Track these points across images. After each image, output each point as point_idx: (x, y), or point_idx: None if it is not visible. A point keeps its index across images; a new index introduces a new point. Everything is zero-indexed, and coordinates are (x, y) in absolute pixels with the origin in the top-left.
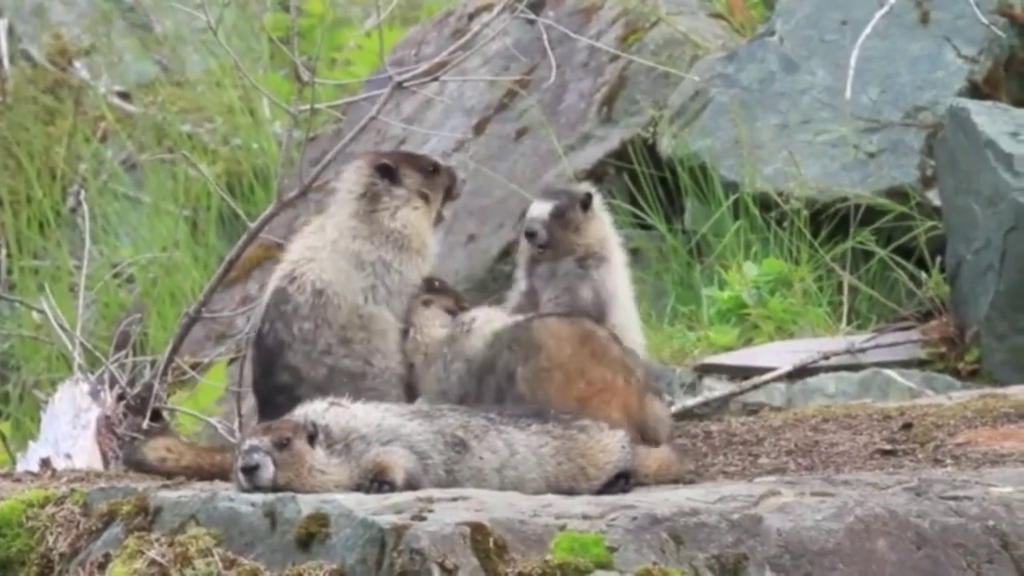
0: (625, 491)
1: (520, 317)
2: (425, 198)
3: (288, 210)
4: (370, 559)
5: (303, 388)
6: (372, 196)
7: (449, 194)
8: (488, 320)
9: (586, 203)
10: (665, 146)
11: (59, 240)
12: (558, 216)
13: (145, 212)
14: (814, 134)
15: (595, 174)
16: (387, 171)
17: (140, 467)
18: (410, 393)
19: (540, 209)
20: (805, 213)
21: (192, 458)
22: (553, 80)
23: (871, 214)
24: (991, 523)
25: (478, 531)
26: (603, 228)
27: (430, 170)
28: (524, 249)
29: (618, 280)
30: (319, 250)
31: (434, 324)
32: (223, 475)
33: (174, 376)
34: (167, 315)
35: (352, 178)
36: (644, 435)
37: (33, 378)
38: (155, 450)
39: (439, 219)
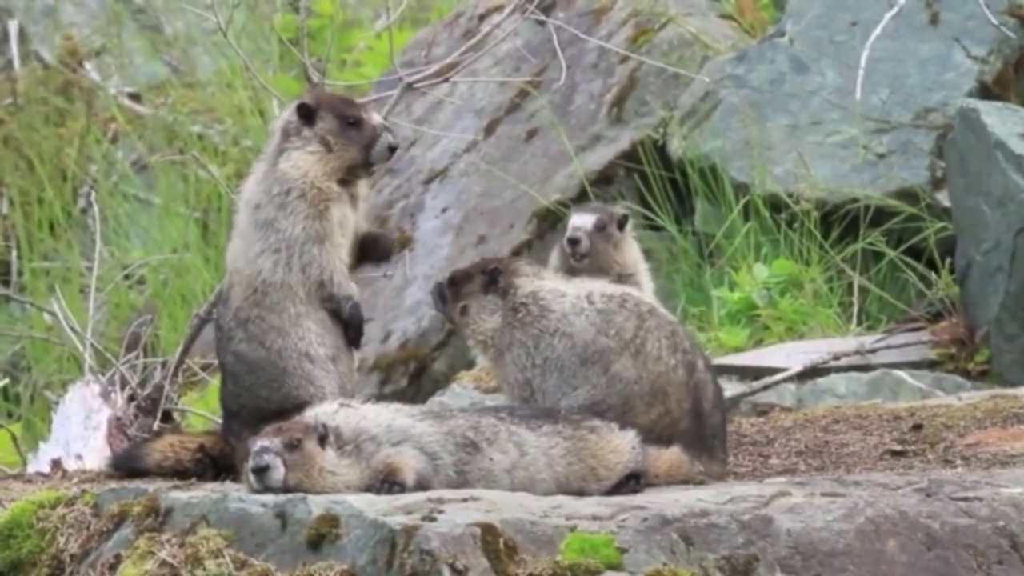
0: (635, 492)
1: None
2: (327, 145)
3: None
4: (380, 560)
5: (226, 381)
6: (284, 136)
7: (367, 153)
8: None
9: (622, 222)
10: (675, 147)
11: (70, 241)
12: (600, 229)
13: (156, 213)
14: (824, 135)
15: (605, 175)
16: (305, 111)
17: (136, 472)
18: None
19: (583, 220)
20: (815, 214)
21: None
22: (563, 81)
23: (881, 215)
24: (1001, 524)
25: (488, 532)
26: (635, 251)
27: (349, 121)
28: (559, 258)
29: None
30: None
31: (484, 312)
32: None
33: (185, 377)
34: (177, 316)
35: (280, 117)
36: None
37: (44, 379)
38: (152, 453)
39: (353, 176)
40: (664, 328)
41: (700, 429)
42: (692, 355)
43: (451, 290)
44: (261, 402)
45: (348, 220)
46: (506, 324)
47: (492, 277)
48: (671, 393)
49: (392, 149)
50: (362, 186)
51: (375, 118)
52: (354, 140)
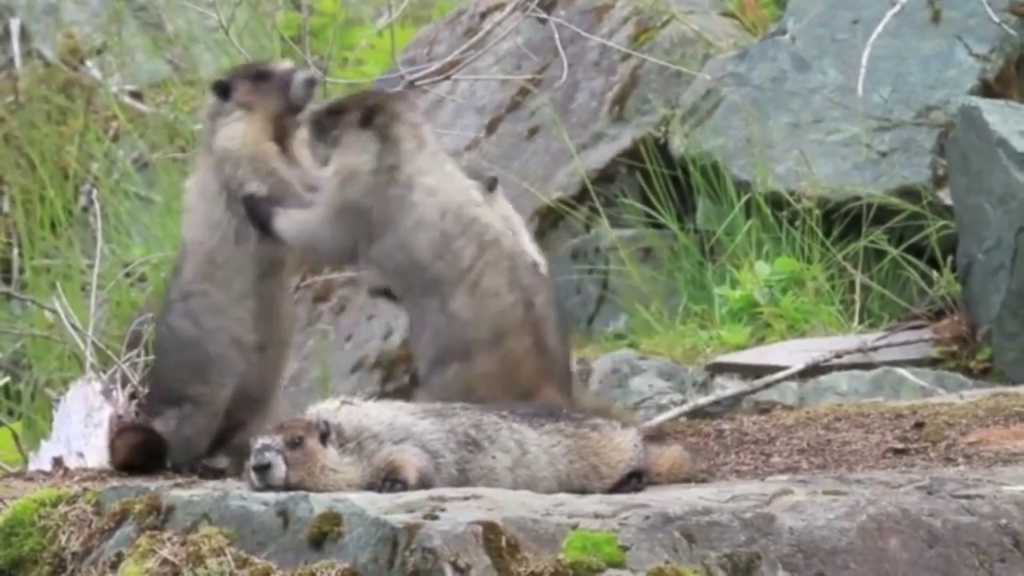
0: (637, 490)
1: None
2: (248, 107)
3: None
4: (382, 558)
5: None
6: (211, 119)
7: (286, 98)
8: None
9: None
10: (677, 145)
11: (71, 239)
12: None
13: (157, 211)
14: (826, 133)
15: (607, 173)
16: (220, 87)
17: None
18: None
19: None
20: (817, 212)
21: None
22: (565, 79)
23: (883, 213)
24: (1003, 522)
25: (490, 530)
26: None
27: (259, 76)
28: None
29: None
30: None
31: (354, 147)
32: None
33: None
34: None
35: (205, 106)
36: None
37: (45, 377)
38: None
39: (282, 131)
40: (503, 262)
41: (548, 365)
42: (530, 291)
43: (328, 119)
44: (175, 383)
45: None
46: (375, 173)
47: (367, 115)
48: (511, 334)
49: (310, 83)
50: (298, 142)
51: (283, 64)
52: (269, 90)
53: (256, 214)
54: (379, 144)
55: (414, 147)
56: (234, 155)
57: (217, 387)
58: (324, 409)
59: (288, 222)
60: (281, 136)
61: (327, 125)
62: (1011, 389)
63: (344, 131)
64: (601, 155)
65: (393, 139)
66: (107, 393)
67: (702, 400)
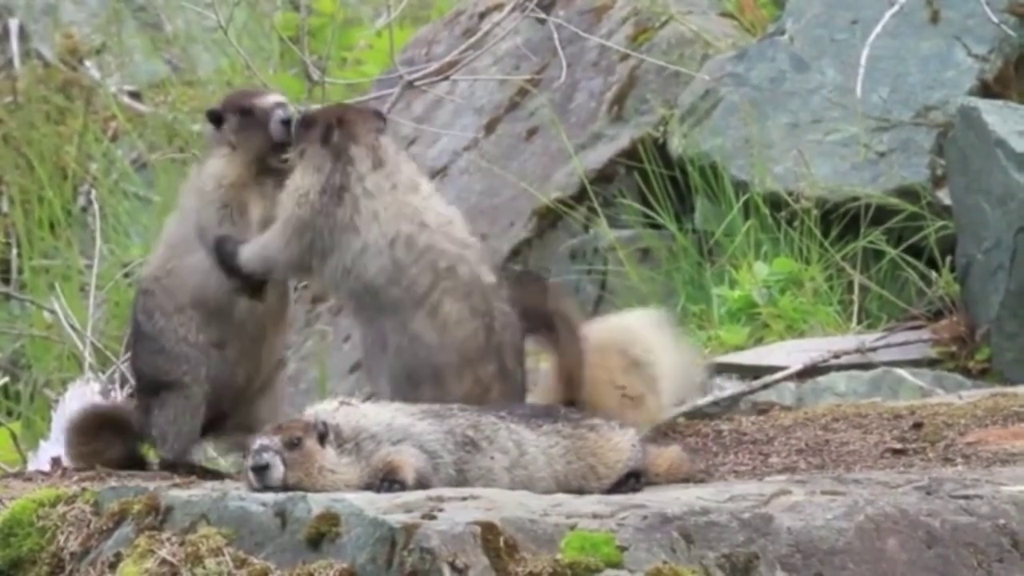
0: (635, 490)
1: None
2: (231, 145)
3: None
4: (380, 558)
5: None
6: (207, 145)
7: (268, 139)
8: None
9: None
10: (675, 145)
11: (70, 239)
12: None
13: (156, 212)
14: (824, 133)
15: (605, 173)
16: (213, 116)
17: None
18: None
19: None
20: (815, 212)
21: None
22: (563, 79)
23: (881, 213)
24: (1002, 522)
25: (489, 530)
26: None
27: (244, 111)
28: None
29: None
30: None
31: (311, 165)
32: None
33: None
34: None
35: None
36: None
37: (44, 377)
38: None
39: (268, 165)
40: (461, 288)
41: (511, 388)
42: (489, 316)
43: (299, 131)
44: (149, 373)
45: (255, 212)
46: (323, 193)
47: (327, 132)
48: (476, 360)
49: (285, 123)
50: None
51: (269, 99)
52: (252, 129)
53: (222, 255)
54: (333, 163)
55: (367, 168)
56: (209, 195)
57: (187, 376)
58: (322, 410)
59: (248, 251)
60: (267, 172)
61: (298, 138)
62: (1010, 389)
63: (307, 146)
64: (600, 155)
65: (347, 158)
66: (106, 393)
67: (700, 400)
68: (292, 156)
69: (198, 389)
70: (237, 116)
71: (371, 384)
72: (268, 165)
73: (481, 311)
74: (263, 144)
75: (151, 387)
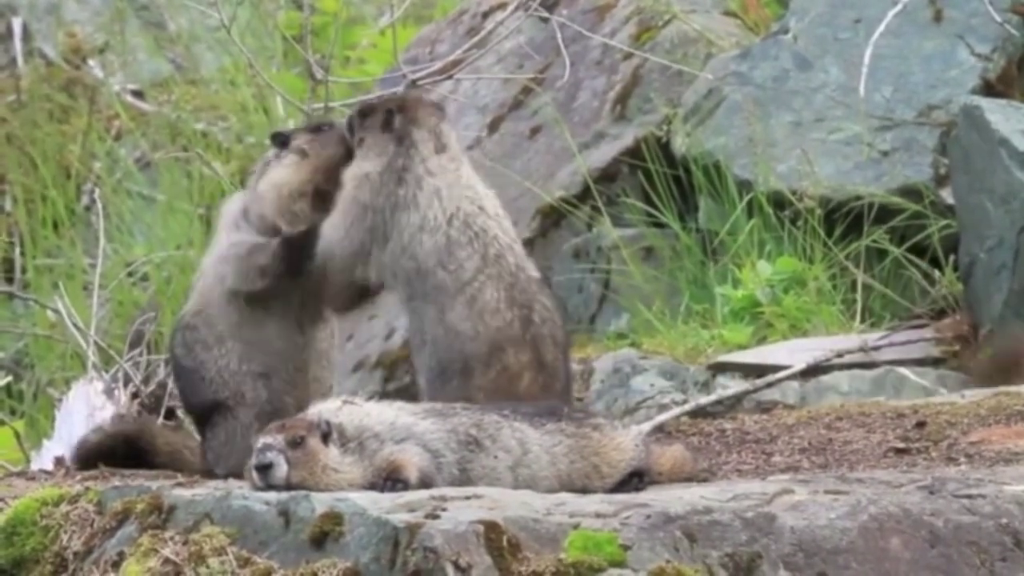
0: (639, 489)
1: None
2: (302, 153)
3: None
4: (384, 557)
5: None
6: (266, 163)
7: (346, 149)
8: None
9: None
10: (679, 144)
11: (73, 239)
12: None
13: (159, 211)
14: (828, 132)
15: (609, 172)
16: (280, 139)
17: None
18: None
19: None
20: (819, 212)
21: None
22: (567, 78)
23: (885, 213)
24: (1004, 521)
25: (492, 529)
26: None
27: (317, 129)
28: None
29: None
30: None
31: (372, 151)
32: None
33: None
34: None
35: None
36: None
37: (47, 376)
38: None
39: (333, 178)
40: (504, 278)
41: (547, 380)
42: (529, 308)
43: (357, 122)
44: (196, 402)
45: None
46: (384, 174)
47: (388, 118)
48: (508, 349)
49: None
50: None
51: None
52: (328, 140)
53: (291, 248)
54: (396, 147)
55: (430, 151)
56: (270, 195)
57: (231, 400)
58: (326, 409)
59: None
60: (324, 193)
61: (355, 128)
62: (1012, 388)
63: (367, 134)
64: (603, 154)
65: (410, 142)
66: (109, 392)
67: (704, 399)
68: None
69: (245, 411)
70: (310, 132)
71: (417, 381)
72: (335, 177)
73: (519, 302)
74: (339, 153)
75: (202, 418)
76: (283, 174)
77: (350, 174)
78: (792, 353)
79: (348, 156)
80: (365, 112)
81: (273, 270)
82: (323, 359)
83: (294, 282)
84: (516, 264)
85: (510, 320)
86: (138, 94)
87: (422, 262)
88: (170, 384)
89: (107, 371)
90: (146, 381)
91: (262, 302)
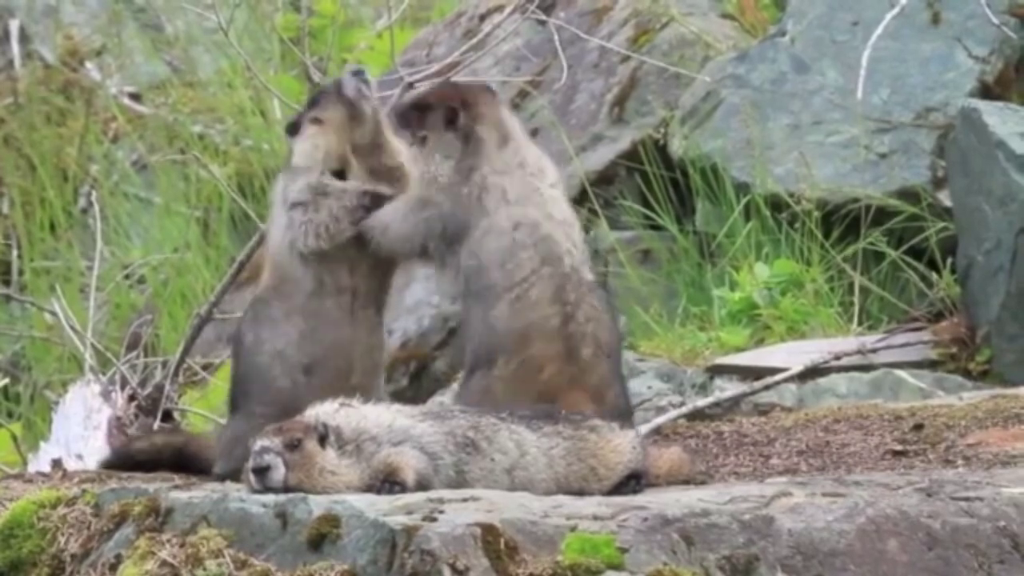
0: (636, 492)
1: None
2: (318, 122)
3: None
4: (381, 560)
5: None
6: (290, 151)
7: (347, 102)
8: None
9: None
10: (676, 147)
11: (70, 241)
12: None
13: (156, 213)
14: (825, 135)
15: (606, 175)
16: (292, 128)
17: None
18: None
19: None
20: (816, 214)
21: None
22: (564, 81)
23: (882, 215)
24: (1002, 524)
25: (489, 532)
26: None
27: (319, 94)
28: None
29: None
30: None
31: (440, 152)
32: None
33: (185, 377)
34: (178, 316)
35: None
36: None
37: (44, 379)
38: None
39: (358, 135)
40: (556, 279)
41: (577, 373)
42: (574, 307)
43: (415, 116)
44: (237, 390)
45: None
46: (456, 176)
47: (451, 115)
48: (535, 339)
49: (356, 73)
50: (390, 154)
51: (349, 83)
52: (329, 100)
53: (363, 204)
54: (463, 145)
55: (494, 146)
56: (294, 167)
57: (262, 404)
58: (323, 411)
59: (372, 218)
60: (363, 150)
61: (414, 123)
62: (1010, 391)
63: (430, 133)
64: (600, 157)
65: (476, 139)
66: (106, 395)
67: (701, 402)
68: (389, 117)
69: (267, 413)
70: (313, 101)
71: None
72: (360, 135)
73: (565, 300)
74: (343, 109)
75: (232, 401)
76: (309, 145)
77: (419, 173)
78: (790, 355)
79: (352, 109)
80: (422, 107)
81: (341, 222)
82: (368, 358)
83: (355, 250)
84: (571, 266)
85: (549, 315)
86: (135, 96)
87: (483, 261)
88: (167, 387)
89: (104, 373)
90: (143, 384)
91: (327, 274)
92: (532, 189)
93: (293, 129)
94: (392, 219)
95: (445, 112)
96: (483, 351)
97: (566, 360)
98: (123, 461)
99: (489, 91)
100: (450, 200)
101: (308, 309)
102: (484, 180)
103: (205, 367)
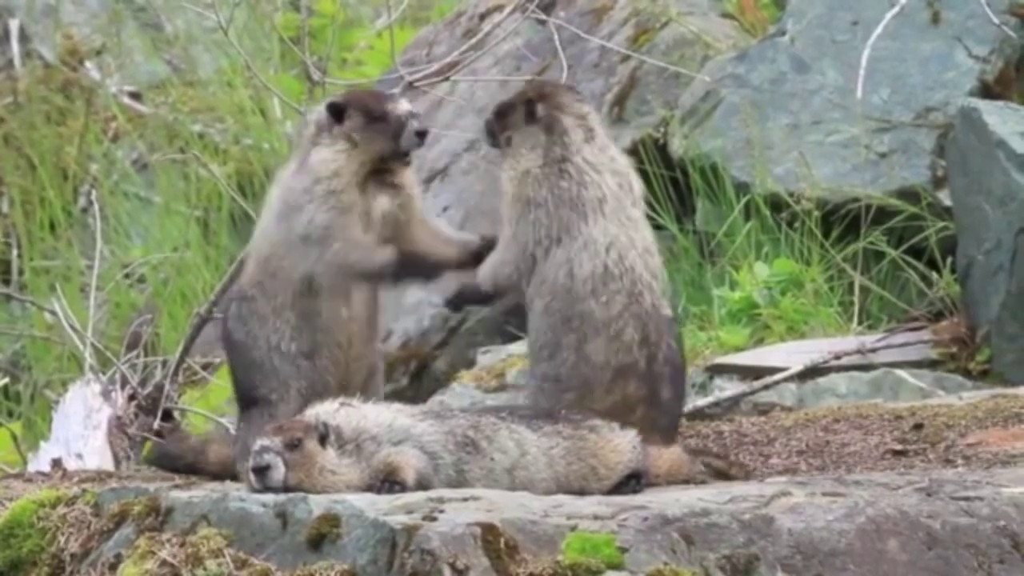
0: (636, 491)
1: None
2: (352, 142)
3: None
4: (381, 559)
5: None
6: (317, 130)
7: (396, 144)
8: None
9: None
10: (676, 146)
11: (70, 240)
12: None
13: (156, 212)
14: (825, 134)
15: None
16: (335, 109)
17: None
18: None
19: None
20: (816, 213)
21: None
22: (564, 80)
23: (882, 214)
24: (1002, 523)
25: (489, 531)
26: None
27: (375, 116)
28: None
29: None
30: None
31: (525, 145)
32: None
33: (185, 376)
34: (178, 315)
35: (315, 110)
36: None
37: (44, 378)
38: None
39: (387, 165)
40: (641, 318)
41: (656, 417)
42: (656, 347)
43: (497, 123)
44: (244, 385)
45: (376, 208)
46: (545, 167)
47: (530, 108)
48: (630, 380)
49: (421, 135)
50: (404, 175)
51: (401, 107)
52: (380, 133)
53: (466, 298)
54: (547, 135)
55: (580, 139)
56: (315, 178)
57: (274, 394)
58: (323, 411)
59: (483, 273)
60: (382, 169)
61: (497, 130)
62: (1010, 391)
63: (512, 131)
64: None
65: (560, 129)
66: (106, 394)
67: (701, 401)
68: (480, 136)
69: (284, 408)
70: (365, 117)
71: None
72: (390, 165)
73: (648, 341)
74: (388, 150)
75: (243, 401)
76: (335, 160)
77: (507, 176)
78: (789, 355)
79: (396, 152)
80: (503, 111)
81: (376, 277)
82: (367, 331)
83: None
84: (652, 304)
85: (638, 359)
86: (135, 96)
87: (577, 283)
88: (167, 386)
89: (104, 373)
90: (143, 383)
91: (323, 278)
92: (620, 205)
93: (336, 114)
94: (507, 252)
95: (524, 106)
96: (576, 379)
97: (649, 404)
98: (162, 460)
99: (570, 88)
100: (548, 191)
101: (299, 306)
102: (580, 174)
103: (205, 367)
